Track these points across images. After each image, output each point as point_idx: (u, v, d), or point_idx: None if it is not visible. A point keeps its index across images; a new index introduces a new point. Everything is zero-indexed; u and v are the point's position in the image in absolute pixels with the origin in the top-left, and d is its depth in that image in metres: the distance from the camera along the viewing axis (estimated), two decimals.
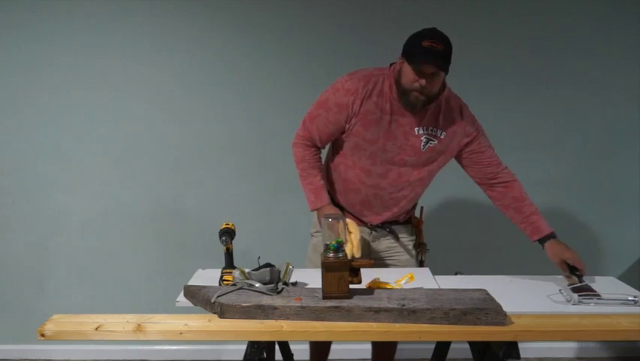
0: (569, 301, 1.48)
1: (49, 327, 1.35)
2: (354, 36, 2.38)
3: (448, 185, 2.47)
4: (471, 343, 1.53)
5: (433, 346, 1.79)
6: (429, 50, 1.52)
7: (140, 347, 2.63)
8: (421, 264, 2.00)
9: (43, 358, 2.65)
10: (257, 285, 1.44)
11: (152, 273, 2.57)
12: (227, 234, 1.63)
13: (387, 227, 1.89)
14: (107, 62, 2.41)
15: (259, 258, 1.60)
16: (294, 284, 1.56)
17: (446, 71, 1.58)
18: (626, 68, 2.40)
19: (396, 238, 1.91)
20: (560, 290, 1.55)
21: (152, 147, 2.48)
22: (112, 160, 2.49)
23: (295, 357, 1.94)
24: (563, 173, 2.49)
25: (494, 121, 2.45)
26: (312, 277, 1.63)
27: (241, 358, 1.43)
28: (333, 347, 2.28)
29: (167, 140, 2.48)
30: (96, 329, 1.34)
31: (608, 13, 2.36)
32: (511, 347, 1.36)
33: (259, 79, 2.42)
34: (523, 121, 2.45)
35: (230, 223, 1.67)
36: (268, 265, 1.53)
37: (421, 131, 1.71)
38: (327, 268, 1.37)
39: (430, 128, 1.72)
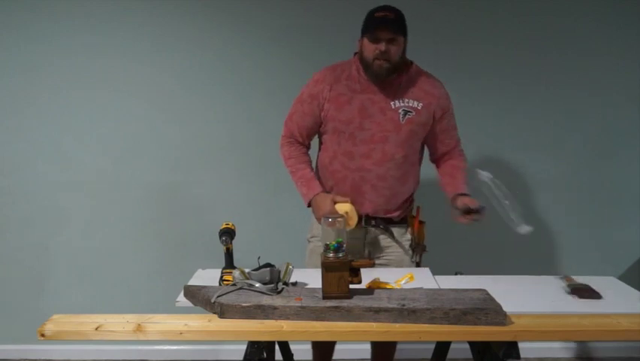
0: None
1: (49, 327, 1.35)
2: (354, 37, 2.38)
3: None
4: (471, 343, 1.53)
5: (433, 346, 1.79)
6: (381, 19, 1.67)
7: (140, 347, 2.63)
8: (417, 265, 1.99)
9: (43, 358, 2.65)
10: (257, 285, 1.44)
11: (152, 273, 2.57)
12: (227, 234, 1.63)
13: (380, 224, 1.89)
14: (107, 62, 2.41)
15: (259, 258, 1.60)
16: (294, 284, 1.56)
17: (403, 35, 1.70)
18: (626, 68, 2.40)
19: (391, 235, 1.91)
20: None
21: (152, 147, 2.48)
22: (112, 160, 2.49)
23: (295, 357, 1.94)
24: (563, 173, 2.49)
25: (494, 121, 2.46)
26: (312, 277, 1.63)
27: (241, 358, 1.44)
28: (343, 346, 2.28)
29: (167, 140, 2.48)
30: (96, 329, 1.34)
31: (608, 13, 2.36)
32: (511, 347, 1.36)
33: (259, 79, 2.42)
34: (523, 121, 2.45)
35: (230, 223, 1.67)
36: (268, 265, 1.53)
37: (398, 104, 1.77)
38: (327, 268, 1.37)
39: (406, 100, 1.77)
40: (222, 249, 1.64)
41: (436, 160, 1.97)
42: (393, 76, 1.74)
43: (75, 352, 2.64)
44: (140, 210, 2.53)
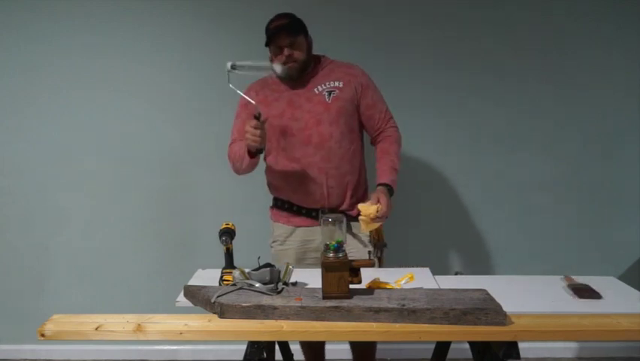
0: None
1: (49, 327, 1.35)
2: (354, 37, 2.38)
3: (448, 185, 2.47)
4: (471, 343, 1.53)
5: (433, 346, 1.79)
6: (276, 27, 1.80)
7: (140, 347, 2.63)
8: (379, 262, 1.97)
9: (43, 358, 2.65)
10: (257, 285, 1.44)
11: (152, 273, 2.57)
12: (227, 234, 1.63)
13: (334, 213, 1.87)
14: (107, 62, 2.41)
15: (259, 258, 1.60)
16: (294, 284, 1.56)
17: (301, 34, 1.82)
18: (626, 68, 2.40)
19: (349, 228, 1.90)
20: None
21: (152, 147, 2.49)
22: (112, 160, 2.49)
23: (295, 357, 1.94)
24: (563, 173, 2.49)
25: (494, 121, 2.46)
26: (312, 277, 1.63)
27: (241, 358, 1.43)
28: (333, 347, 2.28)
29: (167, 140, 2.48)
30: (96, 329, 1.34)
31: (608, 13, 2.36)
32: (511, 347, 1.35)
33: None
34: (523, 121, 2.45)
35: (230, 223, 1.67)
36: (268, 265, 1.53)
37: (320, 88, 1.87)
38: (327, 268, 1.37)
39: (325, 83, 1.88)
40: (222, 249, 1.64)
41: (373, 140, 2.01)
42: (307, 72, 1.87)
43: (75, 352, 2.64)
44: (140, 210, 2.53)
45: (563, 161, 2.49)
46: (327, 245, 1.41)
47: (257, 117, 1.71)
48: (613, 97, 2.43)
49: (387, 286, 1.56)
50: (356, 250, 1.91)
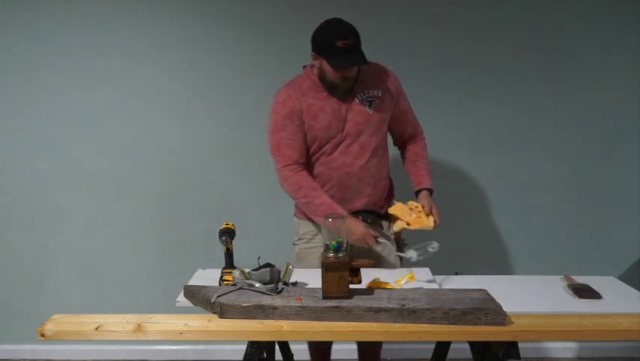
0: (410, 258, 1.73)
1: (49, 327, 1.35)
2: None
3: (448, 185, 2.47)
4: (471, 343, 1.53)
5: (433, 346, 1.79)
6: (344, 51, 1.67)
7: (140, 347, 2.63)
8: (400, 260, 1.99)
9: (43, 358, 2.65)
10: (257, 285, 1.44)
11: (152, 273, 2.57)
12: (227, 234, 1.63)
13: (369, 218, 1.90)
14: (107, 62, 2.41)
15: (259, 258, 1.60)
16: (294, 284, 1.56)
17: (365, 62, 1.72)
18: (626, 68, 2.40)
19: (380, 227, 1.92)
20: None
21: (152, 147, 2.48)
22: (112, 160, 2.49)
23: (295, 357, 1.94)
24: (563, 173, 2.49)
25: (494, 121, 2.46)
26: (312, 277, 1.63)
27: (241, 358, 1.43)
28: (335, 346, 2.28)
29: (167, 140, 2.48)
30: (96, 329, 1.34)
31: (608, 13, 2.36)
32: (511, 347, 1.36)
33: (259, 79, 2.41)
34: (523, 121, 2.45)
35: (230, 223, 1.67)
36: (268, 265, 1.53)
37: (361, 97, 1.83)
38: (327, 268, 1.37)
39: (366, 92, 1.83)
40: (222, 249, 1.64)
41: (401, 144, 2.02)
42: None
43: (75, 352, 2.64)
44: (140, 210, 2.53)
45: (563, 161, 2.49)
46: (327, 245, 1.41)
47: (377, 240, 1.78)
48: (613, 97, 2.43)
49: (387, 286, 1.56)
50: (387, 249, 1.92)
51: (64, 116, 2.45)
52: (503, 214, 2.52)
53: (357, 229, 1.77)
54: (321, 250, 1.90)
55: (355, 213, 1.88)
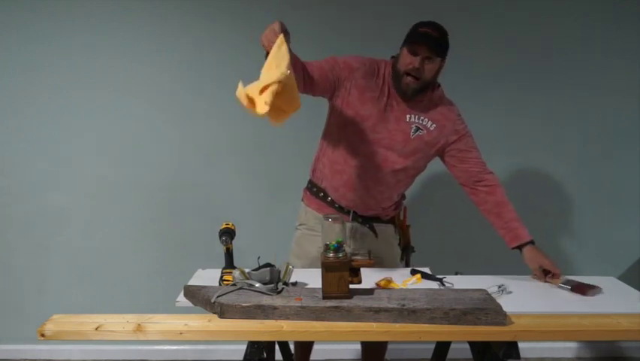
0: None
1: (49, 327, 1.35)
2: (354, 38, 2.38)
3: (448, 185, 2.47)
4: (471, 343, 1.53)
5: (433, 346, 1.79)
6: (424, 34, 1.65)
7: (140, 347, 2.63)
8: (406, 264, 2.00)
9: (43, 358, 2.65)
10: (257, 285, 1.44)
11: (152, 273, 2.57)
12: (227, 234, 1.63)
13: (367, 223, 1.89)
14: (107, 62, 2.41)
15: (259, 258, 1.60)
16: (294, 284, 1.56)
17: (440, 57, 1.68)
18: (626, 68, 2.41)
19: (375, 235, 1.91)
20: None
21: (152, 147, 2.48)
22: (112, 160, 2.49)
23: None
24: (563, 173, 2.49)
25: (494, 121, 2.46)
26: (312, 277, 1.63)
27: (241, 358, 1.43)
28: (333, 346, 2.28)
29: (167, 140, 2.48)
30: (96, 329, 1.34)
31: (608, 14, 2.36)
32: (511, 347, 1.36)
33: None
34: (524, 121, 2.45)
35: (230, 223, 1.67)
36: (268, 265, 1.53)
37: (412, 119, 1.77)
38: (327, 268, 1.37)
39: (421, 117, 1.78)
40: (222, 249, 1.64)
41: (466, 187, 1.88)
42: (417, 96, 1.74)
43: (75, 352, 2.64)
44: (140, 210, 2.53)
45: (563, 161, 2.49)
46: (327, 245, 1.41)
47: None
48: (613, 97, 2.43)
49: (396, 287, 1.56)
50: (385, 253, 1.92)
51: (64, 116, 2.45)
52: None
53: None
54: (322, 240, 1.92)
55: (357, 218, 1.88)
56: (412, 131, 1.77)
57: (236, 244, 1.66)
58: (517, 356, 1.36)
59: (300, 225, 2.00)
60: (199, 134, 2.48)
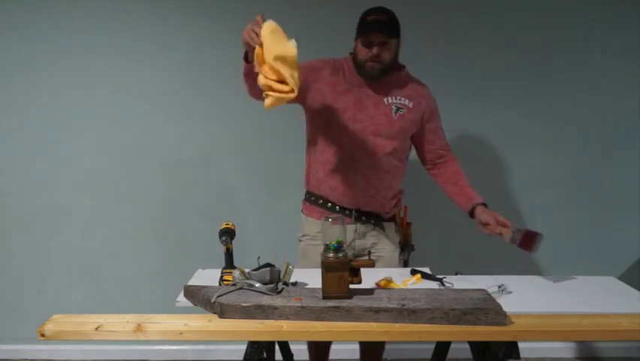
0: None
1: (49, 327, 1.35)
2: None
3: None
4: (471, 343, 1.53)
5: (433, 346, 1.79)
6: (374, 22, 1.70)
7: (140, 347, 2.63)
8: (405, 263, 2.00)
9: (43, 358, 2.65)
10: (257, 285, 1.44)
11: (152, 273, 2.57)
12: (227, 234, 1.63)
13: (371, 219, 1.89)
14: (107, 62, 2.41)
15: (259, 258, 1.60)
16: (294, 284, 1.56)
17: (395, 37, 1.73)
18: (626, 68, 2.41)
19: (381, 230, 1.92)
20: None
21: (152, 147, 2.49)
22: (112, 160, 2.49)
23: (295, 357, 1.94)
24: (563, 173, 2.49)
25: (494, 121, 2.46)
26: (312, 277, 1.63)
27: (241, 358, 1.43)
28: (336, 346, 2.28)
29: (167, 140, 2.48)
30: (96, 329, 1.34)
31: (609, 13, 2.36)
32: (511, 347, 1.35)
33: None
34: (523, 121, 2.45)
35: (230, 223, 1.67)
36: (268, 265, 1.53)
37: (390, 100, 1.82)
38: (327, 268, 1.37)
39: (398, 97, 1.83)
40: (222, 249, 1.64)
41: (429, 164, 1.98)
42: (385, 76, 1.79)
43: (75, 352, 2.64)
44: (140, 210, 2.53)
45: (563, 161, 2.49)
46: (327, 245, 1.41)
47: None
48: (613, 97, 2.43)
49: (396, 287, 1.56)
50: (385, 251, 1.92)
51: (64, 116, 2.45)
52: (503, 214, 2.51)
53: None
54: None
55: (360, 214, 1.87)
56: (393, 111, 1.81)
57: (236, 244, 1.66)
58: (517, 356, 1.35)
59: (302, 236, 2.00)
60: (199, 134, 2.48)
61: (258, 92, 1.63)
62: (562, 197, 2.51)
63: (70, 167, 2.49)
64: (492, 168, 2.50)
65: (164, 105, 2.45)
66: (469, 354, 1.55)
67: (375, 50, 1.70)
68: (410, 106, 1.83)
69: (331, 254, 1.39)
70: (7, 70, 2.42)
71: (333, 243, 1.40)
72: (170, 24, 2.39)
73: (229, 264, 1.63)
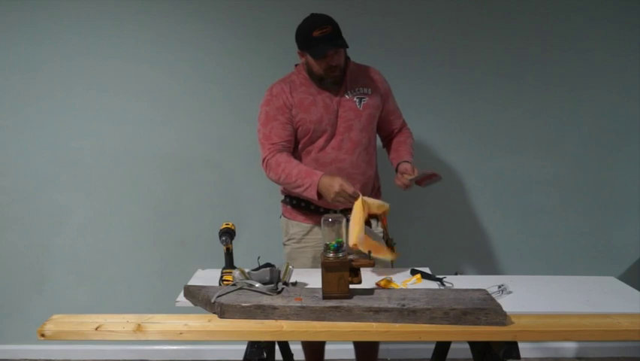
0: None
1: (49, 327, 1.35)
2: (354, 38, 2.38)
3: (448, 185, 2.47)
4: (471, 343, 1.53)
5: (433, 346, 1.79)
6: (322, 38, 1.72)
7: (140, 347, 2.63)
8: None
9: (43, 358, 2.65)
10: (257, 285, 1.44)
11: (152, 273, 2.57)
12: (227, 234, 1.63)
13: (335, 215, 1.88)
14: (107, 62, 2.41)
15: (259, 258, 1.60)
16: (294, 284, 1.56)
17: (345, 45, 1.77)
18: (626, 68, 2.40)
19: (369, 226, 1.90)
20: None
21: (151, 147, 2.49)
22: (112, 160, 2.49)
23: (295, 357, 1.94)
24: (563, 173, 2.49)
25: (494, 121, 2.46)
26: (312, 277, 1.63)
27: (241, 358, 1.44)
28: (332, 346, 2.28)
29: (167, 140, 2.48)
30: (96, 329, 1.34)
31: (608, 12, 2.36)
32: (511, 347, 1.35)
33: (259, 79, 2.41)
34: (523, 121, 2.45)
35: (230, 223, 1.67)
36: (268, 265, 1.53)
37: (351, 94, 1.88)
38: (327, 268, 1.37)
39: (356, 88, 1.89)
40: (222, 249, 1.64)
41: (385, 139, 2.06)
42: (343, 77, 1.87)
43: (75, 352, 2.64)
44: (140, 210, 2.53)
45: (563, 161, 2.49)
46: (327, 245, 1.41)
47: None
48: (613, 97, 2.43)
49: (396, 287, 1.56)
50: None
51: (64, 116, 2.45)
52: (503, 214, 2.52)
53: (334, 182, 1.66)
54: (312, 249, 1.93)
55: (344, 210, 1.88)
56: (357, 103, 1.87)
57: (236, 244, 1.66)
58: (517, 356, 1.35)
59: (288, 240, 2.01)
60: (199, 134, 2.47)
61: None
62: (562, 197, 2.51)
63: (70, 167, 2.49)
64: (492, 168, 2.50)
65: (164, 105, 2.45)
66: (469, 354, 1.55)
67: (333, 61, 1.76)
68: (369, 92, 1.90)
69: (331, 254, 1.39)
70: (7, 70, 2.42)
71: (333, 243, 1.40)
72: (170, 24, 2.39)
73: (229, 264, 1.63)
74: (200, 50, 2.41)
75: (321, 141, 1.86)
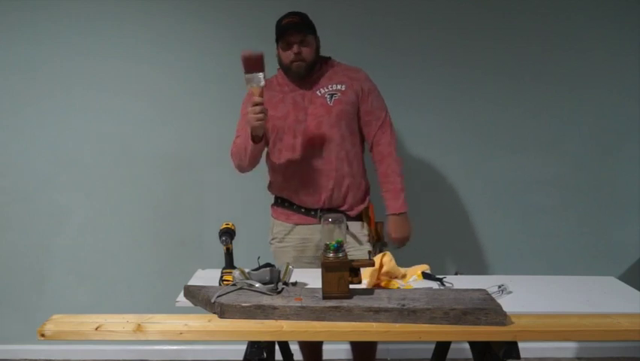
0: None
1: (49, 327, 1.35)
2: (355, 37, 2.38)
3: (448, 185, 2.47)
4: (471, 343, 1.53)
5: (433, 346, 1.79)
6: (287, 25, 1.82)
7: (140, 347, 2.63)
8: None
9: (43, 358, 2.65)
10: (257, 285, 1.44)
11: (152, 273, 2.57)
12: (227, 234, 1.63)
13: (330, 217, 1.88)
14: (107, 62, 2.41)
15: (259, 258, 1.60)
16: (294, 284, 1.56)
17: (311, 34, 1.84)
18: (625, 68, 2.40)
19: (346, 226, 1.89)
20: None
21: (151, 147, 2.49)
22: (112, 160, 2.49)
23: (295, 357, 1.94)
24: (563, 173, 2.49)
25: (494, 121, 2.46)
26: (312, 277, 1.63)
27: (241, 358, 1.43)
28: (332, 346, 2.28)
29: (167, 140, 2.48)
30: (96, 329, 1.34)
31: (608, 12, 2.36)
32: (511, 347, 1.35)
33: None
34: (524, 121, 2.45)
35: (230, 223, 1.67)
36: (268, 265, 1.53)
37: (322, 91, 1.89)
38: (327, 268, 1.37)
39: (329, 85, 1.90)
40: (222, 249, 1.64)
41: (370, 147, 2.00)
42: (312, 72, 1.88)
43: (75, 352, 2.64)
44: (140, 210, 2.53)
45: (563, 161, 2.49)
46: (327, 245, 1.41)
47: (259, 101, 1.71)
48: (613, 97, 2.43)
49: (396, 286, 1.56)
50: (354, 249, 1.92)
51: (64, 116, 2.45)
52: (503, 214, 2.52)
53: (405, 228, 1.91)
54: (292, 249, 1.96)
55: (322, 211, 1.90)
56: (328, 99, 1.87)
57: (236, 244, 1.66)
58: (517, 356, 1.35)
59: (272, 239, 2.04)
60: (199, 134, 2.48)
61: (253, 163, 1.91)
62: (562, 197, 2.51)
63: (69, 167, 2.49)
64: (492, 168, 2.50)
65: (164, 105, 2.45)
66: (469, 354, 1.55)
67: (295, 48, 1.80)
68: (343, 89, 1.89)
69: (331, 254, 1.39)
70: (7, 70, 2.42)
71: (333, 243, 1.40)
72: (170, 24, 2.39)
73: (229, 264, 1.63)
74: (200, 50, 2.41)
75: (289, 138, 1.88)
